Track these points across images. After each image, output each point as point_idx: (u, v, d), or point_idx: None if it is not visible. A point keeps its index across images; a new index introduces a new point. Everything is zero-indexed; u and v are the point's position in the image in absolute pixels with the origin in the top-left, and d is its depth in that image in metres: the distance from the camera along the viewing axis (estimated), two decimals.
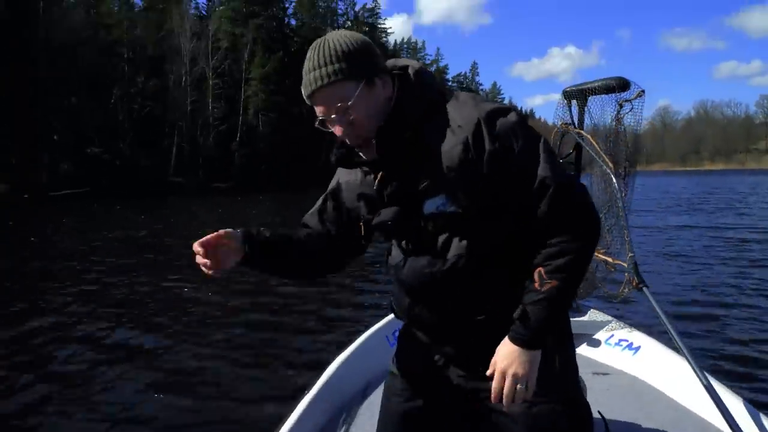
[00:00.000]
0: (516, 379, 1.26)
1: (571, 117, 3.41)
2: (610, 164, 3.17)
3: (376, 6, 74.00)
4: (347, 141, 1.30)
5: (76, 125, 38.34)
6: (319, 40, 1.30)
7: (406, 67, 1.36)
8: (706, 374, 2.15)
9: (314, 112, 1.32)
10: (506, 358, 1.27)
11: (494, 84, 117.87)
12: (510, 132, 1.24)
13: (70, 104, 39.24)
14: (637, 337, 2.99)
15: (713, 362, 4.35)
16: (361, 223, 1.43)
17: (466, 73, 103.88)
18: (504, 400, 1.28)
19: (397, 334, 1.65)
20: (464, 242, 1.28)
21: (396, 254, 1.39)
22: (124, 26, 46.72)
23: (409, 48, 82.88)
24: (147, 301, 7.21)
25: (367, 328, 3.06)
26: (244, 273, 9.06)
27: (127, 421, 3.79)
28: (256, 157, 49.53)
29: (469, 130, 1.24)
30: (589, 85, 3.36)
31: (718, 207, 21.79)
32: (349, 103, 1.24)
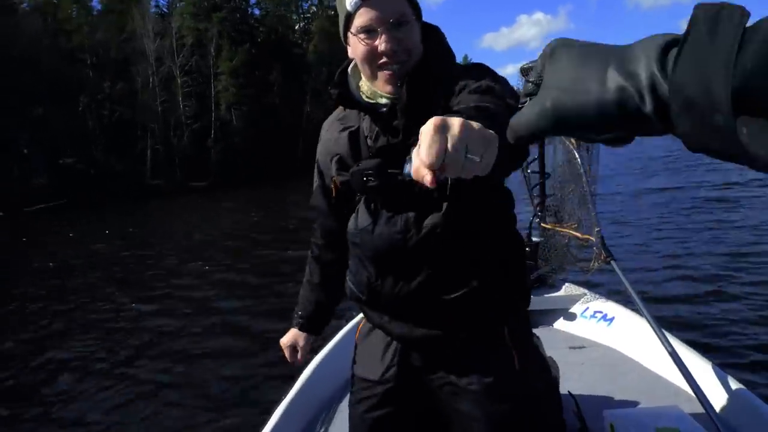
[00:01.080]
0: (462, 138, 0.72)
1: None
2: (573, 139, 3.21)
3: None
4: (390, 56, 1.20)
5: (45, 136, 37.59)
6: None
7: (433, 27, 1.33)
8: (672, 341, 2.21)
9: (345, 42, 1.25)
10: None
11: (465, 57, 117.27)
12: (487, 73, 1.23)
13: (36, 115, 38.39)
14: (612, 307, 3.05)
15: (683, 327, 4.45)
16: (333, 185, 1.37)
17: None
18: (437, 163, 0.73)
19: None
20: (442, 211, 1.23)
21: (364, 218, 1.30)
22: (84, 31, 45.63)
23: None
24: (117, 317, 7.16)
25: (347, 322, 3.08)
26: (217, 283, 8.81)
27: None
28: (232, 151, 49.04)
29: (461, 83, 1.20)
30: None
31: (688, 165, 22.03)
32: (409, 20, 1.21)
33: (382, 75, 1.23)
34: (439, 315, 1.30)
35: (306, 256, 1.65)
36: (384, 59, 1.20)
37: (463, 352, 1.33)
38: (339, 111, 1.43)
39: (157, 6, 59.66)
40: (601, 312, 3.05)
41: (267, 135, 50.50)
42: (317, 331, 1.69)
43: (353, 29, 1.22)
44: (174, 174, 44.58)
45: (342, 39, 1.30)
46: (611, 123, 0.40)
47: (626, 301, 3.14)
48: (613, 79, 0.39)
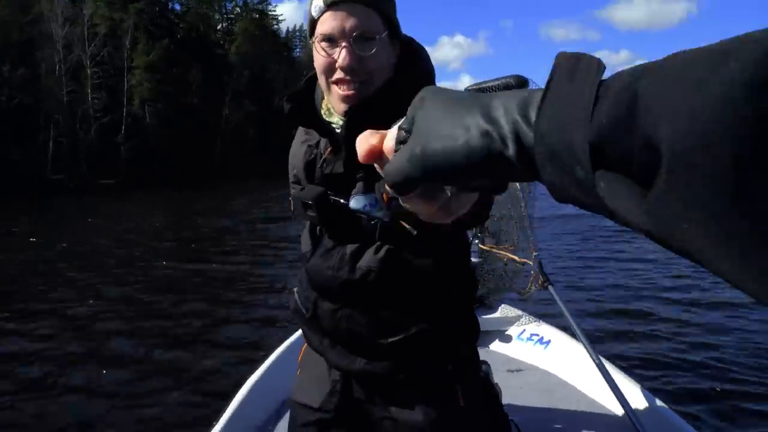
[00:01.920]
0: None
1: None
2: None
3: None
4: (346, 72, 1.11)
5: None
6: None
7: (415, 49, 1.22)
8: (608, 366, 2.31)
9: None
10: None
11: None
12: None
13: None
14: (547, 330, 3.13)
15: (616, 352, 4.68)
16: (291, 198, 1.31)
17: None
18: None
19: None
20: (380, 255, 1.16)
21: (306, 242, 1.26)
22: None
23: (302, 36, 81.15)
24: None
25: (283, 339, 2.98)
26: (100, 300, 7.66)
27: None
28: (145, 150, 46.77)
29: None
30: (489, 84, 3.45)
31: None
32: (377, 36, 1.11)
33: (337, 91, 1.14)
34: (377, 355, 1.25)
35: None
36: (341, 74, 1.11)
37: (404, 387, 1.28)
38: None
39: None
40: (537, 335, 3.13)
41: (183, 135, 48.72)
42: None
43: (315, 36, 1.14)
44: (79, 169, 41.90)
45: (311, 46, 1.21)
46: (478, 169, 0.41)
47: (560, 323, 3.25)
48: (477, 126, 0.40)
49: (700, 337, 5.09)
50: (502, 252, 3.46)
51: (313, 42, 1.14)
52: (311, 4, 1.13)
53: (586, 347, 2.38)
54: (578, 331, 2.49)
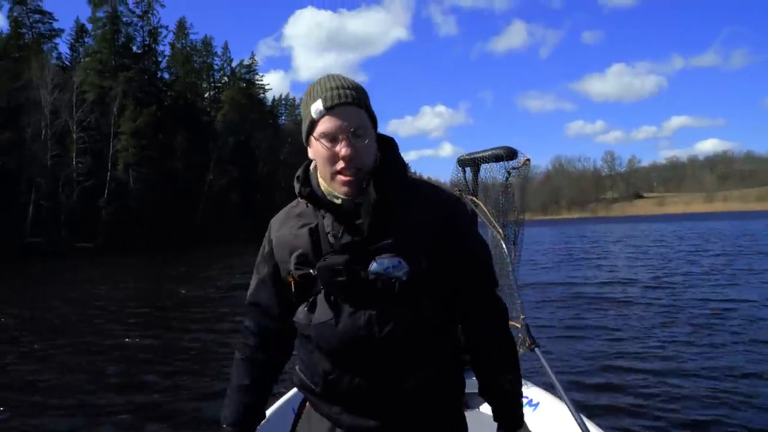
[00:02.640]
0: None
1: (466, 183, 3.64)
2: (500, 230, 3.41)
3: (253, 63, 74.06)
4: (348, 162, 1.29)
5: None
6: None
7: (391, 138, 1.45)
8: (591, 429, 2.33)
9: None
10: None
11: None
12: (472, 222, 1.51)
13: None
14: (535, 393, 3.14)
15: (602, 413, 4.66)
16: (291, 279, 1.39)
17: None
18: None
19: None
20: (404, 310, 1.30)
21: (324, 312, 1.33)
22: None
23: (287, 104, 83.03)
24: None
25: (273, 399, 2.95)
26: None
27: None
28: (127, 214, 46.57)
29: (449, 208, 1.40)
30: (480, 155, 3.62)
31: (586, 258, 23.43)
32: (368, 130, 1.32)
33: (340, 178, 1.31)
34: (394, 405, 1.35)
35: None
36: (343, 164, 1.29)
37: None
38: (292, 207, 1.48)
39: (58, 58, 57.57)
40: (526, 397, 3.13)
41: (166, 199, 48.74)
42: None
43: (316, 134, 1.31)
44: (58, 233, 41.41)
45: (304, 140, 1.38)
46: None
47: (548, 385, 3.26)
48: None
49: (679, 400, 5.10)
50: None
51: (315, 138, 1.32)
52: (309, 106, 1.32)
53: (570, 409, 2.41)
54: (563, 394, 2.52)
